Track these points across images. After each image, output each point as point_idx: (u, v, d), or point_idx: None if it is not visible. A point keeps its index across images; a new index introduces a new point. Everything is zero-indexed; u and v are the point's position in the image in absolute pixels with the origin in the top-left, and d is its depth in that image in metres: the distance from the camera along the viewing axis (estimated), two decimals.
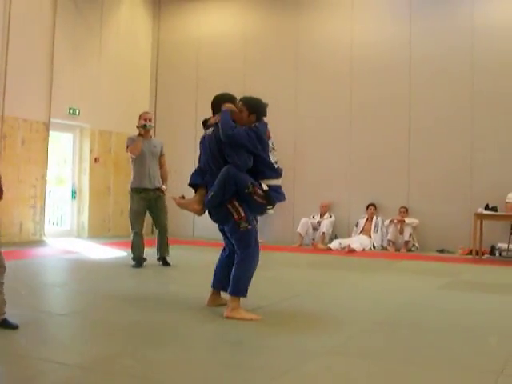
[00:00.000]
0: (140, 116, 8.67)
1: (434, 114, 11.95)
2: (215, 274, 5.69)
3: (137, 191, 8.44)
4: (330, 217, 12.40)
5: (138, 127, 8.58)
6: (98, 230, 12.88)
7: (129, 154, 8.60)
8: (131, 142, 8.46)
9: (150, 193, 8.45)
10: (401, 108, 12.19)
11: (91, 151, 12.86)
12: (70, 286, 7.24)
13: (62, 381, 3.59)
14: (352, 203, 12.53)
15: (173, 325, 4.88)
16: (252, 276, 5.31)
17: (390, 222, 11.83)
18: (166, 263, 8.54)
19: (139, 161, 8.44)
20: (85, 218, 12.78)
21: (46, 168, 11.81)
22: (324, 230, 12.10)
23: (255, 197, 5.22)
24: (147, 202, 8.46)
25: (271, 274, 7.90)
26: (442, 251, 11.49)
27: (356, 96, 12.53)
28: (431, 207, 11.87)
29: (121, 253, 9.99)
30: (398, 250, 11.67)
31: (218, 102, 5.51)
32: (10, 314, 5.13)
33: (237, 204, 5.26)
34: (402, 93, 12.20)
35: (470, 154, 11.66)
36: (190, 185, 5.59)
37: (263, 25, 13.56)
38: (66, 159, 13.02)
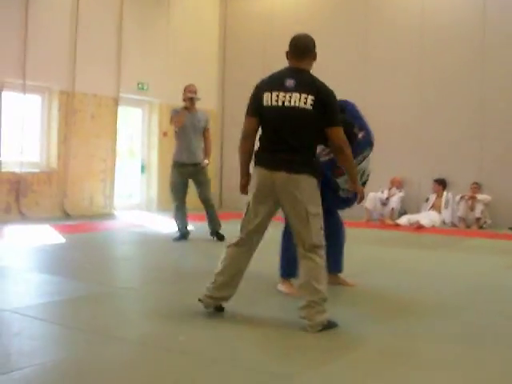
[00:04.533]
0: (185, 89, 8.46)
1: (509, 80, 11.42)
2: None
3: (176, 165, 8.36)
4: (400, 192, 12.17)
5: (184, 100, 8.40)
6: (167, 204, 12.94)
7: (172, 126, 8.63)
8: (175, 114, 8.36)
9: (189, 168, 8.30)
10: (472, 78, 11.72)
11: (160, 126, 12.96)
12: (134, 260, 7.36)
13: (121, 356, 3.63)
14: (422, 178, 12.22)
15: (231, 303, 4.84)
16: None
17: (461, 198, 11.49)
18: (219, 237, 8.37)
19: (180, 134, 8.35)
20: (153, 191, 12.93)
21: (116, 142, 11.98)
22: (394, 205, 11.87)
23: None
24: (186, 176, 8.34)
25: None
26: None
27: (426, 67, 12.13)
28: (506, 183, 11.44)
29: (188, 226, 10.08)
30: (468, 226, 11.36)
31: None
32: (76, 288, 5.26)
33: None
34: (474, 63, 11.71)
35: None
36: None
37: None
38: (135, 134, 13.15)
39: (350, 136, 5.15)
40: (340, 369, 3.50)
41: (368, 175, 5.56)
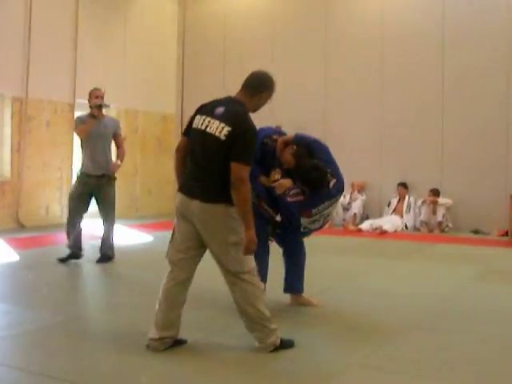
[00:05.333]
0: (90, 93, 7.48)
1: (468, 88, 11.48)
2: None
3: (81, 175, 7.48)
4: (362, 196, 12.10)
5: (91, 107, 7.43)
6: (126, 211, 12.71)
7: (77, 135, 7.71)
8: (80, 122, 7.44)
9: (94, 179, 7.41)
10: (433, 82, 11.78)
11: None
12: (92, 279, 7.11)
13: None
14: (384, 182, 12.19)
15: (192, 332, 4.64)
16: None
17: (423, 202, 11.48)
18: (104, 260, 7.57)
19: (85, 144, 7.44)
20: None
21: (72, 150, 11.64)
22: (356, 210, 11.82)
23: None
24: (91, 188, 7.42)
25: None
26: (476, 232, 11.14)
27: (387, 69, 12.13)
28: (466, 186, 11.47)
29: (147, 237, 9.84)
30: (431, 230, 11.35)
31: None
32: (29, 319, 4.98)
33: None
34: (434, 64, 11.77)
35: (506, 131, 11.24)
36: None
37: None
38: None
39: (323, 184, 5.00)
40: None
41: (330, 216, 5.44)
